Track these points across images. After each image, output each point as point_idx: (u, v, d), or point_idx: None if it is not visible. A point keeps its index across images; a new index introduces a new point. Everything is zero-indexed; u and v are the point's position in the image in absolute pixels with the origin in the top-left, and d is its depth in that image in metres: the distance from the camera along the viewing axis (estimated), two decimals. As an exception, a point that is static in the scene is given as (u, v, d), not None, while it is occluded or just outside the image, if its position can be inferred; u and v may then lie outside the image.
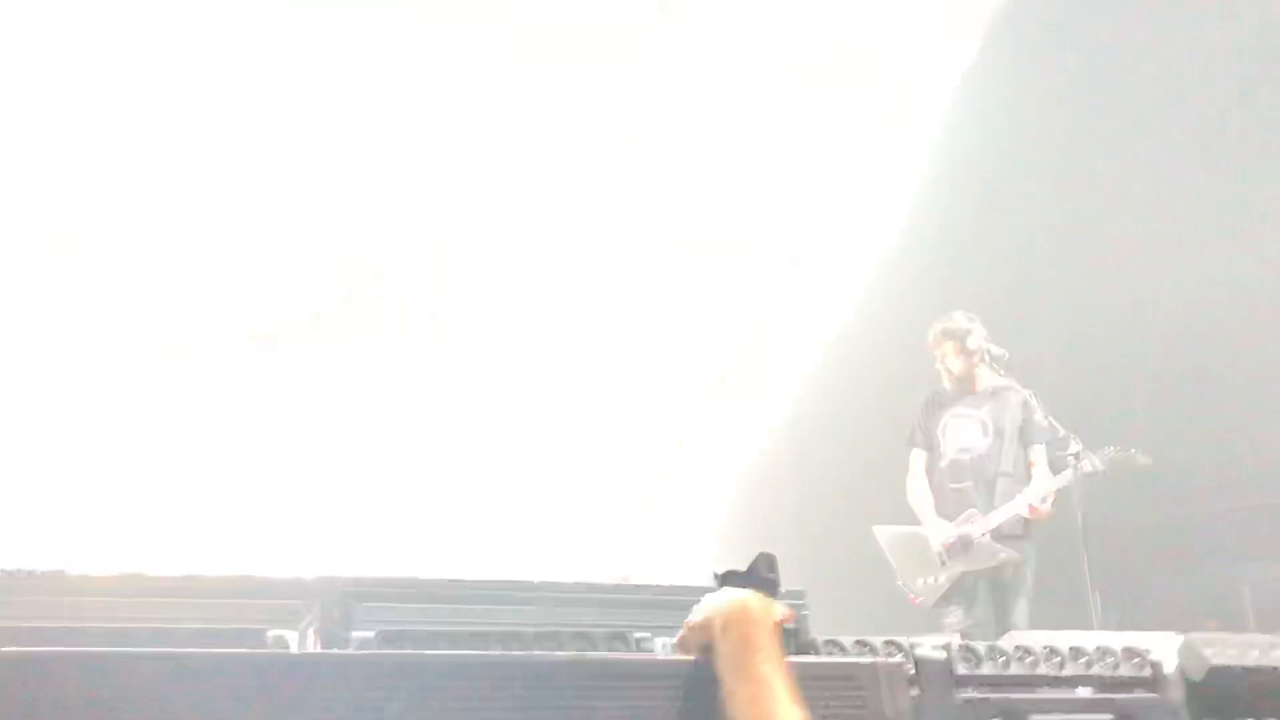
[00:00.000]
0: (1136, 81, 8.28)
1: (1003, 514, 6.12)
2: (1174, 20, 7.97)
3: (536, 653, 2.05)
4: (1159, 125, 8.23)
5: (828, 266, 9.07)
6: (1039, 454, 6.34)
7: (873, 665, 2.25)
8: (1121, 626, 6.38)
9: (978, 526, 6.13)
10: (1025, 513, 6.08)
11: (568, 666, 2.00)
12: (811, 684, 2.00)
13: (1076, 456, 5.84)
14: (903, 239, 8.80)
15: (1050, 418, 6.02)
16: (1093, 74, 8.41)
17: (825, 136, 8.73)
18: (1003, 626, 5.93)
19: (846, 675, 2.21)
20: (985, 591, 6.19)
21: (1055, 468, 6.06)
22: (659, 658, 2.21)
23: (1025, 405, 6.35)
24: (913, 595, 6.24)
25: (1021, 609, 6.07)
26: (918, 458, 6.52)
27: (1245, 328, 7.68)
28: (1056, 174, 8.67)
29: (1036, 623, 5.79)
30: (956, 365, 6.38)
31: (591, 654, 2.11)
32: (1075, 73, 8.49)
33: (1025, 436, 6.36)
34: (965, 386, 6.47)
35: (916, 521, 6.41)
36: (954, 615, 6.10)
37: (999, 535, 6.13)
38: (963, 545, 6.14)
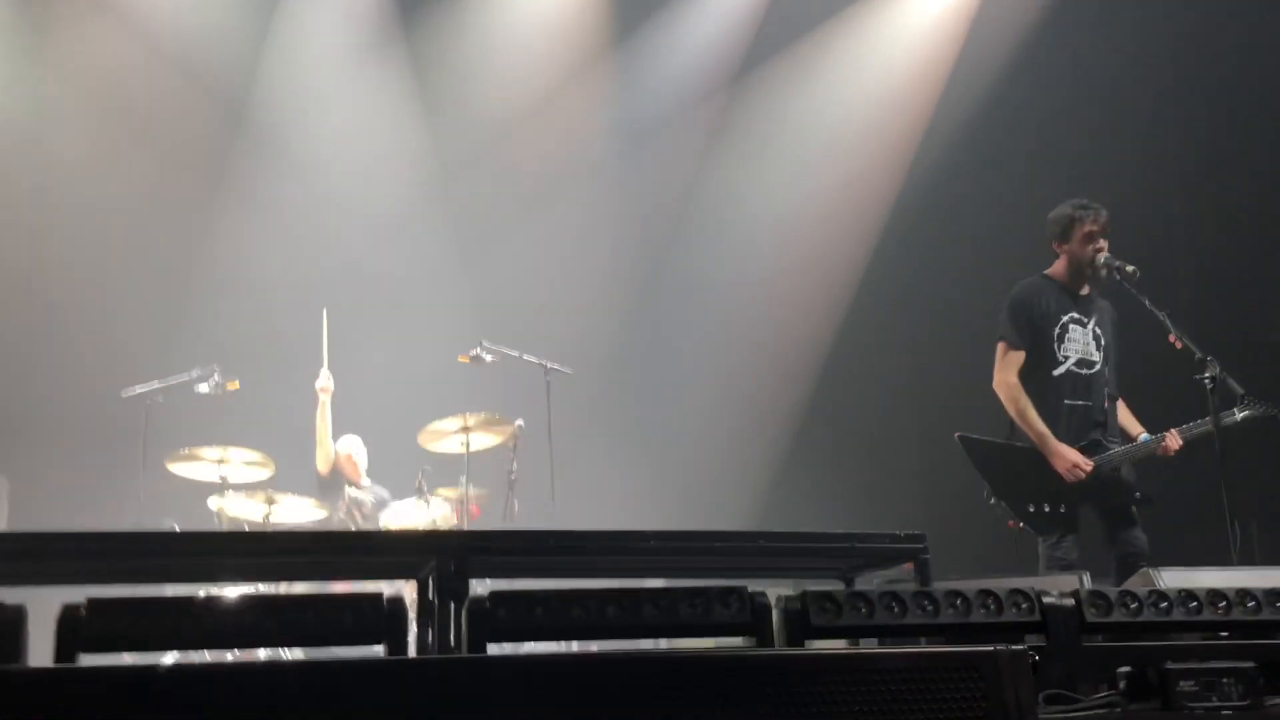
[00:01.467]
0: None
1: (1140, 450, 5.59)
2: None
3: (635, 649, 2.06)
4: None
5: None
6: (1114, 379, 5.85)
7: (993, 655, 2.16)
8: (1266, 562, 6.13)
9: (1114, 459, 5.58)
10: (1160, 451, 5.52)
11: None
12: (930, 675, 1.92)
13: (1213, 381, 5.42)
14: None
15: (1184, 338, 5.57)
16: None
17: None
18: (1122, 553, 5.59)
19: (967, 665, 2.13)
20: (1094, 519, 5.76)
21: (1194, 394, 5.58)
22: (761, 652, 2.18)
23: (1114, 324, 5.89)
24: (1015, 521, 5.60)
25: (1142, 538, 5.69)
26: (1016, 358, 5.72)
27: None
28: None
29: (1169, 558, 5.52)
30: (1104, 259, 5.66)
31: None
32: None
33: (1116, 358, 5.86)
34: (1079, 286, 5.81)
35: (997, 432, 5.79)
36: (1067, 547, 5.52)
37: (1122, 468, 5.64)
38: (1095, 477, 5.54)
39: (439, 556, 3.41)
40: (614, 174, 9.77)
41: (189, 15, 8.80)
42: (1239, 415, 5.40)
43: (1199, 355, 5.41)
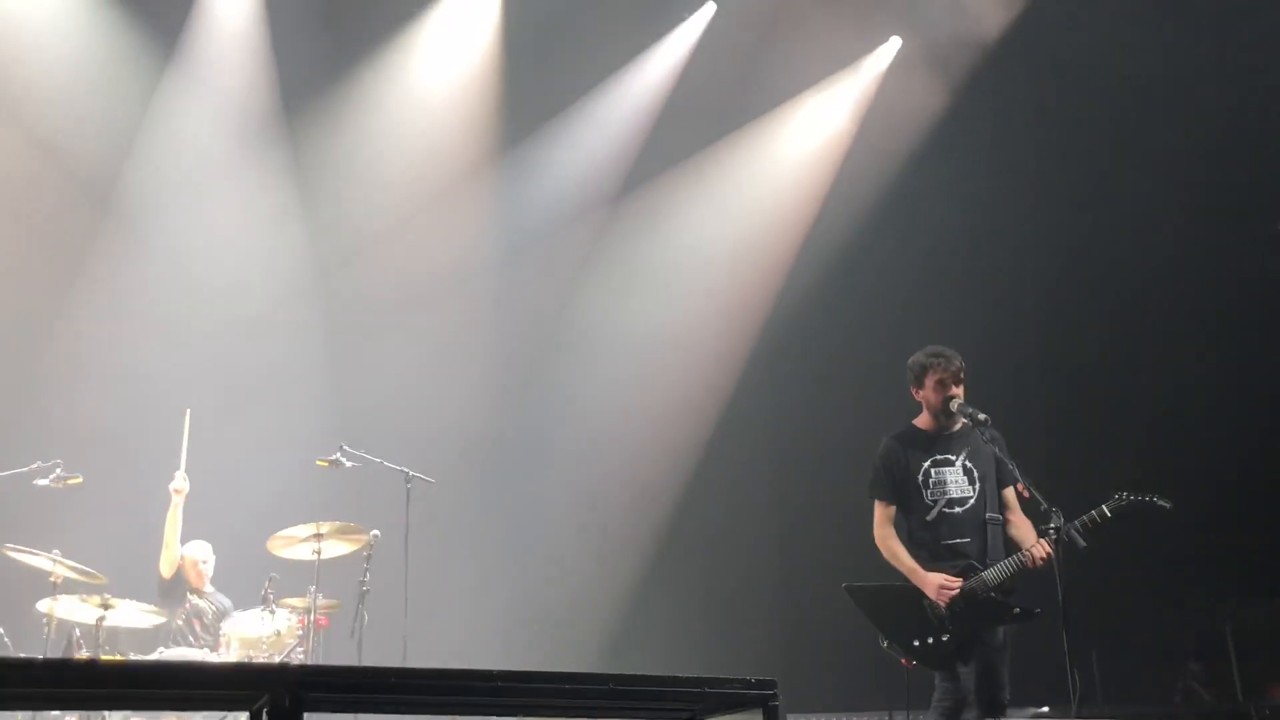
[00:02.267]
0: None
1: (1010, 565, 5.65)
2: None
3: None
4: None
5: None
6: (1012, 497, 5.93)
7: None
8: (1107, 699, 6.29)
9: (986, 580, 5.66)
10: (1030, 563, 5.56)
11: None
12: None
13: (1057, 530, 5.56)
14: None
15: (1032, 488, 5.73)
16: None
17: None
18: (989, 693, 5.64)
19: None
20: (973, 653, 5.75)
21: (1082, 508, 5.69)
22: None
23: (994, 441, 5.92)
24: (906, 659, 5.66)
25: (1006, 683, 5.77)
26: (888, 512, 5.90)
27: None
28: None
29: (1016, 700, 5.61)
30: (956, 405, 5.85)
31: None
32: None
33: (1002, 478, 5.92)
34: (944, 427, 5.98)
35: (881, 576, 5.89)
36: (959, 679, 5.55)
37: (999, 590, 5.66)
38: (970, 602, 5.63)
39: (273, 691, 3.27)
40: (489, 284, 9.77)
41: (59, 97, 8.59)
42: (1102, 519, 5.51)
43: (1044, 506, 5.55)
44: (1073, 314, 9.16)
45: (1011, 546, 5.90)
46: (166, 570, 7.45)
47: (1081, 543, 5.44)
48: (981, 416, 5.82)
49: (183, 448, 7.49)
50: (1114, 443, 8.61)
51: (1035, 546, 5.66)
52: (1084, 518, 5.55)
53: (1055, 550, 5.46)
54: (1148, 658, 8.28)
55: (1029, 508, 5.63)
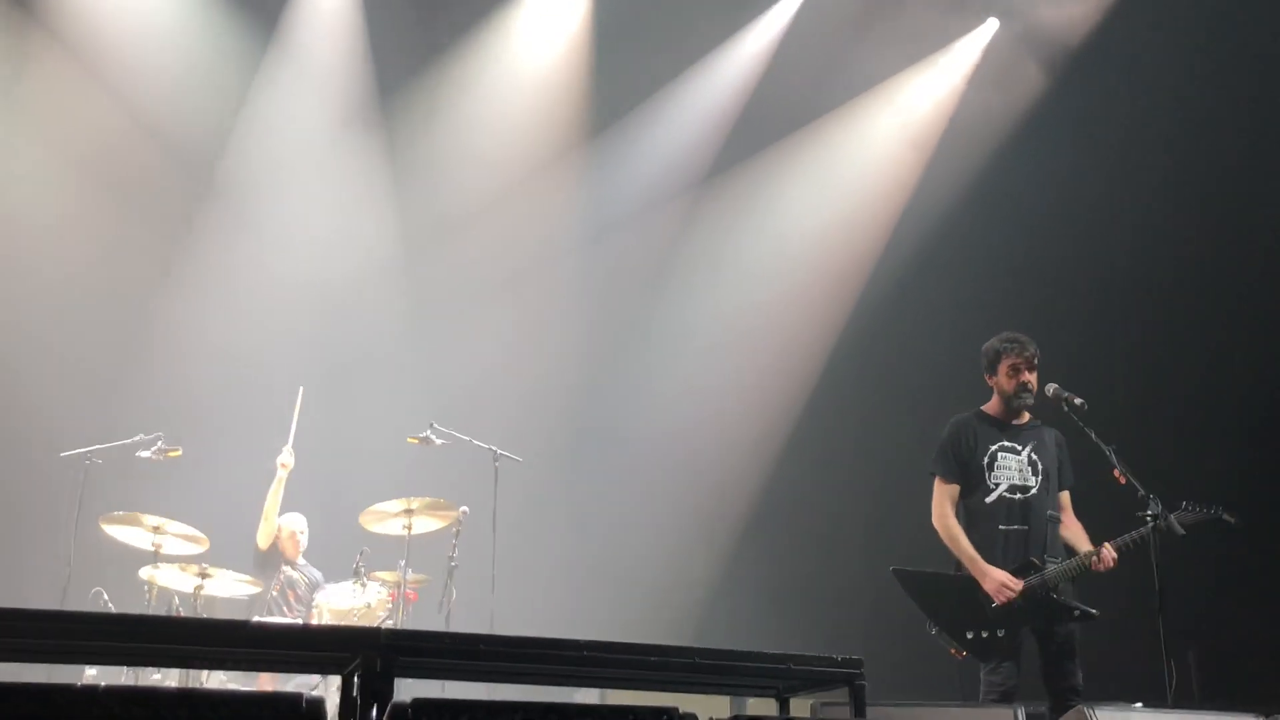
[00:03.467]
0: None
1: (1075, 566, 5.60)
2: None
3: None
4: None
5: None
6: (1067, 500, 5.96)
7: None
8: (1203, 697, 6.13)
9: (1048, 579, 5.59)
10: (1095, 566, 5.58)
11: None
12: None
13: (1155, 518, 5.44)
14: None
15: (1128, 474, 5.62)
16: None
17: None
18: (1059, 686, 5.59)
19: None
20: (1043, 645, 5.65)
21: (1133, 529, 5.60)
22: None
23: (1059, 445, 5.98)
24: (957, 649, 5.63)
25: (1077, 673, 5.67)
26: (950, 491, 5.88)
27: None
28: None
29: (1104, 691, 5.49)
30: (1029, 395, 5.86)
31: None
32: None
33: (1062, 479, 5.95)
34: (1013, 416, 5.97)
35: (933, 562, 5.88)
36: (1005, 673, 5.54)
37: (1059, 590, 5.63)
38: (1029, 599, 5.57)
39: (364, 654, 3.33)
40: (576, 266, 9.82)
41: (164, 80, 8.81)
42: (1179, 529, 5.40)
43: (1142, 492, 5.45)
44: (1171, 302, 8.90)
45: (1064, 547, 5.84)
46: (263, 542, 7.63)
47: (1180, 530, 5.33)
48: (1078, 401, 5.75)
49: (292, 423, 7.67)
50: (1210, 438, 8.34)
51: (1105, 550, 5.60)
52: (1133, 535, 5.47)
53: (1151, 539, 5.36)
54: (1252, 660, 8.02)
55: (1127, 494, 5.50)
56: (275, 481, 7.57)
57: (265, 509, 7.59)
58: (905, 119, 9.93)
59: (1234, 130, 8.61)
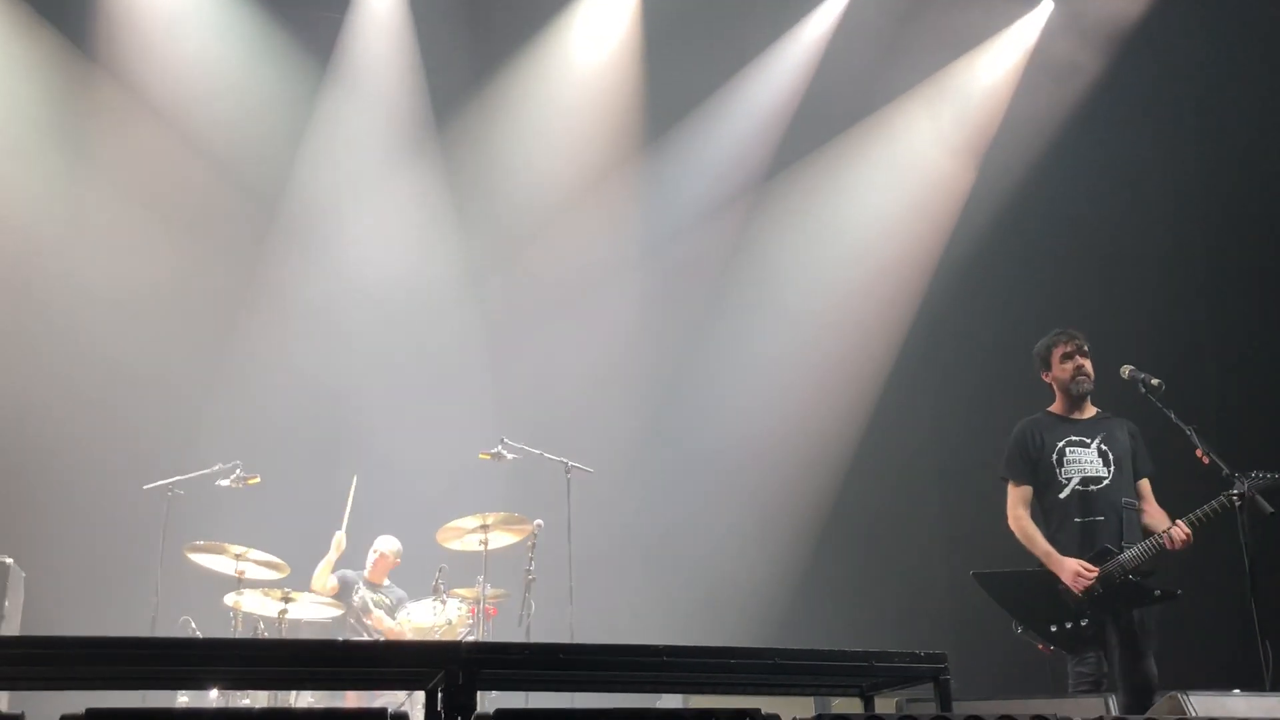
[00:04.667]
0: None
1: (1149, 548, 5.50)
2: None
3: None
4: None
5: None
6: (1147, 488, 5.89)
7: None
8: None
9: (1124, 563, 5.51)
10: (1169, 545, 5.46)
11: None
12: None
13: (1241, 497, 5.32)
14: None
15: (1211, 454, 5.50)
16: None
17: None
18: (1135, 676, 5.48)
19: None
20: (1112, 636, 5.59)
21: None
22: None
23: (1132, 435, 5.92)
24: (1043, 644, 5.61)
25: (1152, 670, 5.56)
26: (1023, 493, 5.88)
27: None
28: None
29: (1196, 679, 5.36)
30: (1088, 380, 5.88)
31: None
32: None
33: (1138, 468, 5.89)
34: (1077, 409, 5.96)
35: (1015, 562, 5.83)
36: (1093, 663, 5.49)
37: (1138, 573, 5.54)
38: (1108, 586, 5.51)
39: (447, 668, 3.36)
40: (639, 276, 9.84)
41: (226, 112, 8.99)
42: (1267, 505, 5.29)
43: (1226, 472, 5.33)
44: (1233, 287, 8.70)
45: (1146, 535, 5.73)
46: (318, 588, 7.64)
47: (1268, 508, 5.21)
48: (1155, 381, 5.66)
49: (346, 509, 7.78)
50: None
51: (1175, 528, 5.52)
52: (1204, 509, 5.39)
53: (1239, 517, 5.24)
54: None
55: (1210, 473, 5.38)
56: (326, 561, 7.68)
57: (315, 577, 7.65)
58: (961, 105, 9.82)
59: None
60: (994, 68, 9.81)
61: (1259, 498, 5.25)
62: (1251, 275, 8.58)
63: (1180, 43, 8.99)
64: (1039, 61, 9.58)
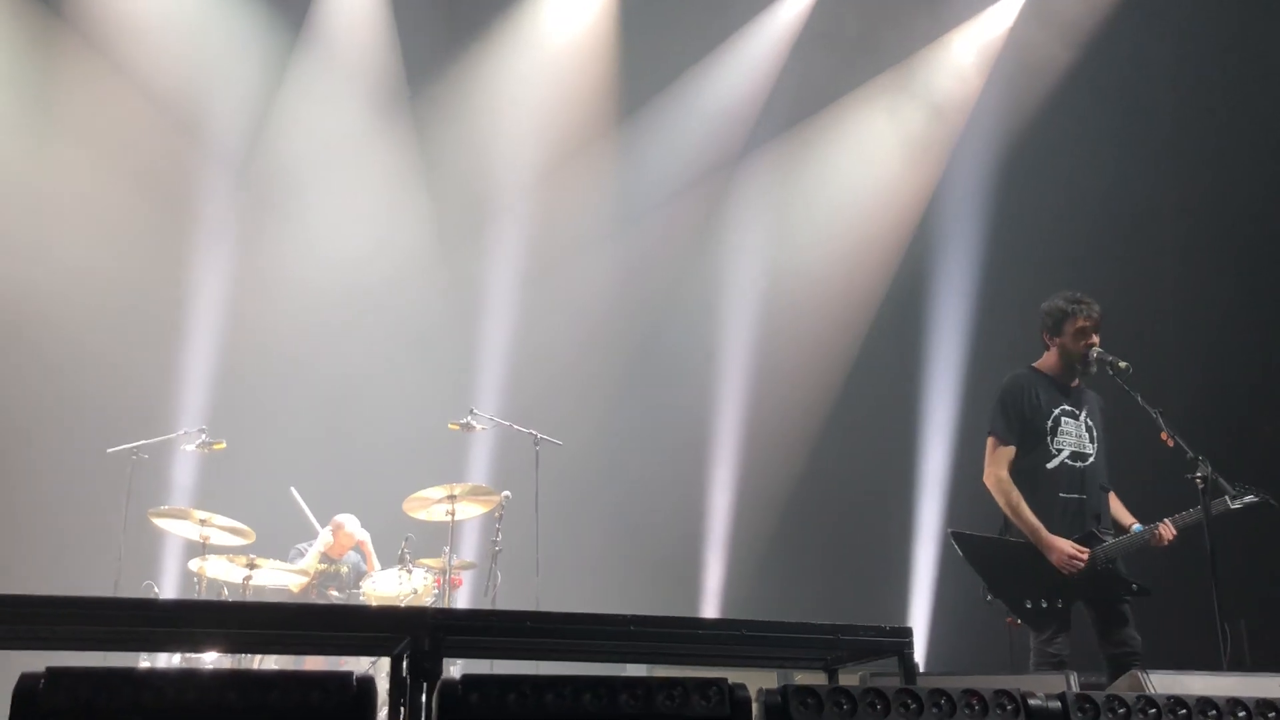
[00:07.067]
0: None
1: (1134, 541, 5.43)
2: None
3: None
4: None
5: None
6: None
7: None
8: (1258, 665, 6.02)
9: (1109, 551, 5.42)
10: (1154, 541, 5.39)
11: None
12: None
13: (1205, 480, 5.33)
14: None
15: (1176, 436, 5.49)
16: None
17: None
18: (1116, 654, 5.37)
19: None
20: (1091, 613, 5.48)
21: (1186, 489, 5.49)
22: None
23: (1102, 410, 5.77)
24: (1012, 618, 5.50)
25: (1135, 637, 5.54)
26: (1007, 453, 5.58)
27: None
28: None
29: (1157, 659, 5.40)
30: (1093, 362, 5.56)
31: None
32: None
33: (1108, 447, 5.73)
34: (1071, 379, 5.70)
35: (987, 527, 5.68)
36: (1060, 644, 5.39)
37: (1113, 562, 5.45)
38: (1091, 571, 5.39)
39: (413, 634, 3.35)
40: (611, 250, 9.81)
41: (194, 76, 8.88)
42: (1233, 504, 5.31)
43: (1190, 454, 5.33)
44: (1204, 271, 8.78)
45: (1114, 522, 5.69)
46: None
47: (1231, 504, 5.24)
48: (1123, 364, 5.57)
49: (309, 515, 7.70)
50: (1254, 409, 8.22)
51: (1164, 526, 5.45)
52: (1191, 515, 5.35)
53: (1204, 502, 5.26)
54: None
55: (1174, 456, 5.39)
56: (313, 552, 7.59)
57: (307, 557, 7.58)
58: (937, 87, 9.84)
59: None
60: (966, 53, 9.83)
61: (1223, 482, 5.27)
62: (1223, 260, 8.66)
63: (1154, 24, 9.03)
64: (1010, 48, 9.60)
